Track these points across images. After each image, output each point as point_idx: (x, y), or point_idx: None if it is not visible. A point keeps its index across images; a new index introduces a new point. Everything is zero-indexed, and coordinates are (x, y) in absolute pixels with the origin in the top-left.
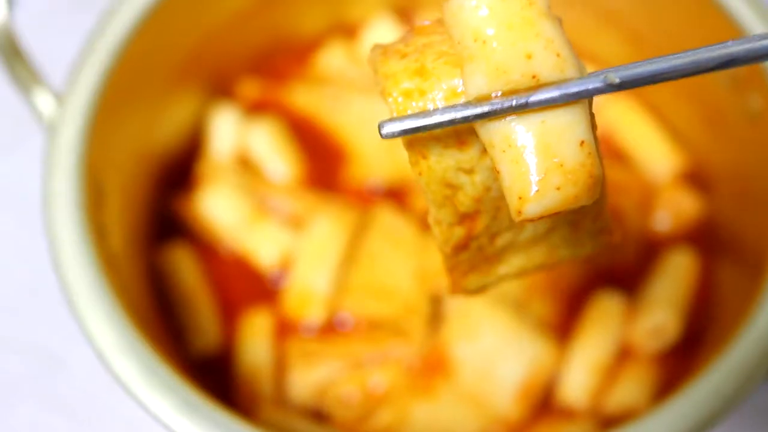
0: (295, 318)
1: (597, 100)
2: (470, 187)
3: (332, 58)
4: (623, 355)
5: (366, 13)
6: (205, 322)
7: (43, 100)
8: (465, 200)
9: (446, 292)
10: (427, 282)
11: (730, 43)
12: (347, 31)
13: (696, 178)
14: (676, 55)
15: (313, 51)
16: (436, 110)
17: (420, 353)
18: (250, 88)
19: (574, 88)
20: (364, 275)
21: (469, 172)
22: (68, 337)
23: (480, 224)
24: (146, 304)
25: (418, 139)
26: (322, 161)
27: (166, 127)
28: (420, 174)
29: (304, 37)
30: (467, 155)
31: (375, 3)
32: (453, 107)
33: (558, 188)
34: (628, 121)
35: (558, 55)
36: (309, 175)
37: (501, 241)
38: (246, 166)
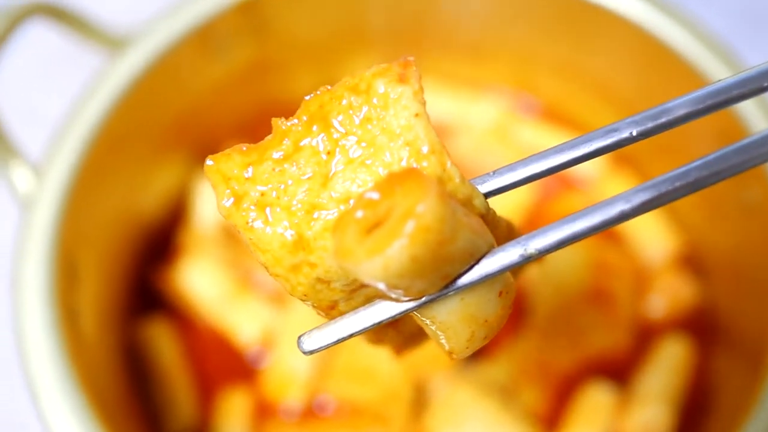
0: (274, 400)
1: (593, 175)
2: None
3: None
4: None
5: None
6: (181, 403)
7: (19, 175)
8: (334, 293)
9: (431, 377)
10: (410, 367)
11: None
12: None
13: (693, 263)
14: (586, 213)
15: None
16: (359, 310)
17: None
18: None
19: (491, 269)
20: (347, 357)
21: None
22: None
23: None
24: (119, 387)
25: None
26: None
27: (148, 195)
28: (291, 292)
29: (292, 101)
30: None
31: (366, 63)
32: (373, 308)
33: (485, 338)
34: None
35: (471, 255)
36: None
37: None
38: (231, 236)
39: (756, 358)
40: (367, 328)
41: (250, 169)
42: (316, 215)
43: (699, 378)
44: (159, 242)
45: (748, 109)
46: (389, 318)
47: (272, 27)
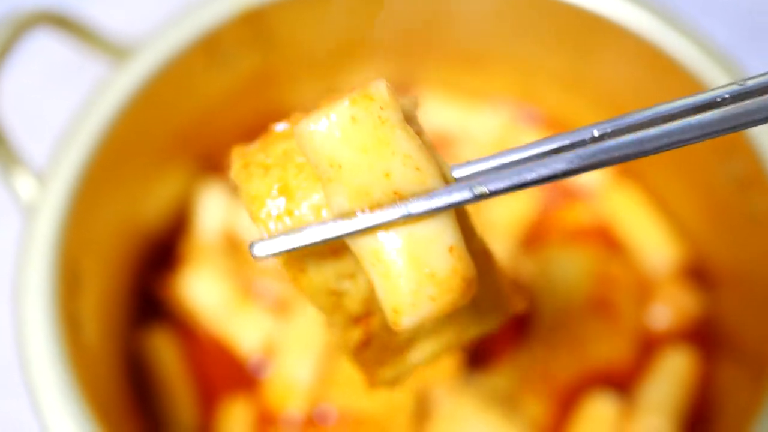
0: (275, 410)
1: (596, 187)
2: (355, 291)
3: None
4: None
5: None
6: (182, 411)
7: (23, 183)
8: (352, 304)
9: (433, 388)
10: (412, 378)
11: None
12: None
13: (697, 274)
14: (534, 167)
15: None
16: (305, 228)
17: None
18: None
19: (439, 202)
20: (349, 368)
21: (351, 276)
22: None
23: (375, 322)
24: (120, 395)
25: (293, 255)
26: None
27: (151, 204)
28: (302, 290)
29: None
30: (345, 263)
31: (371, 74)
32: (322, 225)
33: (432, 298)
34: (628, 211)
35: (417, 169)
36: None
37: (404, 333)
38: (233, 245)
39: (760, 369)
40: (318, 241)
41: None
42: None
43: (702, 389)
44: (161, 251)
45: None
46: (345, 234)
47: (277, 37)
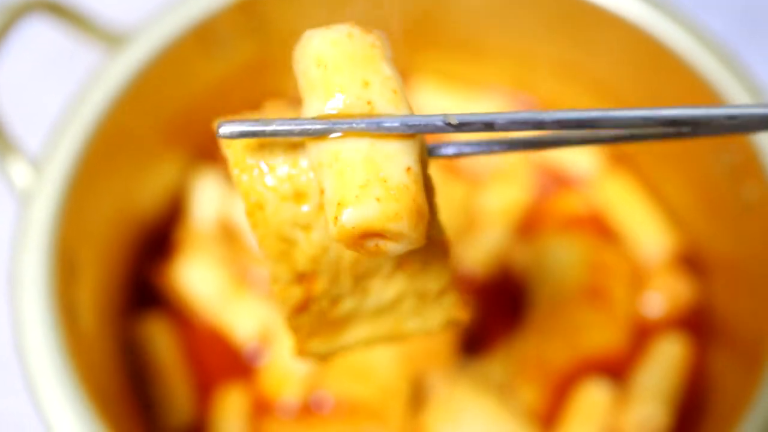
0: (271, 397)
1: (590, 175)
2: (306, 245)
3: None
4: None
5: None
6: (178, 399)
7: (18, 171)
8: (301, 258)
9: (428, 375)
10: (408, 364)
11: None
12: None
13: (691, 262)
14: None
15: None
16: (275, 120)
17: None
18: None
19: (413, 121)
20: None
21: (305, 228)
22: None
23: (318, 286)
24: (116, 382)
25: (255, 189)
26: None
27: (146, 192)
28: (255, 226)
29: (291, 100)
30: (303, 210)
31: None
32: (292, 120)
33: (378, 199)
34: (622, 199)
35: (394, 92)
36: None
37: (344, 307)
38: (228, 234)
39: (753, 356)
40: (283, 131)
41: None
42: None
43: (696, 376)
44: (157, 239)
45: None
46: (309, 131)
47: (271, 25)
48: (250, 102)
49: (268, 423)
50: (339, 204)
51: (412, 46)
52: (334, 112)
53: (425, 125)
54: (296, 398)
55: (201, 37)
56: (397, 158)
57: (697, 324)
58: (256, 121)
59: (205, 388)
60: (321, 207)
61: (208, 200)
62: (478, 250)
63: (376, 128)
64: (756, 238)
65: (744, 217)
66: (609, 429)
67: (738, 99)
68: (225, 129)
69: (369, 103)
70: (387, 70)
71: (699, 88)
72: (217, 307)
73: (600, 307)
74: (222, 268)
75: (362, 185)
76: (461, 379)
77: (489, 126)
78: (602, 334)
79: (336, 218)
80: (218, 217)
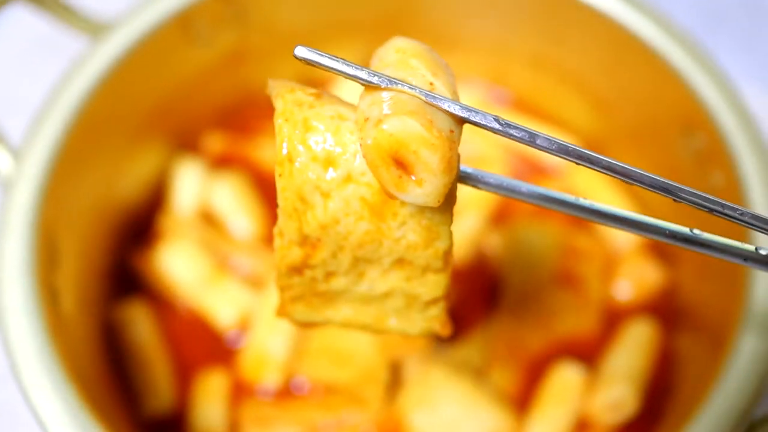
0: (251, 381)
1: (564, 166)
2: (321, 211)
3: None
4: (581, 427)
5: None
6: (159, 383)
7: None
8: (312, 222)
9: (406, 359)
10: (386, 348)
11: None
12: (316, 85)
13: (659, 248)
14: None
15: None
16: (347, 62)
17: (376, 421)
18: (216, 142)
19: (465, 112)
20: (322, 339)
21: (325, 195)
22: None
23: (319, 255)
24: (98, 367)
25: (291, 141)
26: None
27: (128, 180)
28: (280, 175)
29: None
30: (328, 176)
31: (347, 54)
32: (363, 68)
33: (423, 125)
34: (593, 187)
35: (454, 92)
36: (272, 232)
37: (336, 284)
38: (209, 221)
39: (717, 338)
40: (347, 72)
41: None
42: None
43: (664, 359)
44: (138, 226)
45: (713, 101)
46: (372, 80)
47: (253, 15)
48: (230, 91)
49: (247, 406)
50: (387, 115)
51: (387, 37)
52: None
53: (477, 113)
54: (275, 382)
55: (182, 26)
56: (444, 119)
57: (664, 308)
58: (330, 56)
59: (185, 372)
60: (345, 180)
61: (189, 188)
62: (454, 236)
63: (433, 100)
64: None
65: None
66: (580, 411)
67: (703, 87)
68: (300, 51)
69: (432, 84)
70: (448, 79)
71: (667, 76)
72: (198, 292)
73: (573, 292)
74: (203, 254)
75: (413, 111)
76: (437, 363)
77: (532, 137)
78: (575, 318)
79: (379, 121)
80: (199, 204)
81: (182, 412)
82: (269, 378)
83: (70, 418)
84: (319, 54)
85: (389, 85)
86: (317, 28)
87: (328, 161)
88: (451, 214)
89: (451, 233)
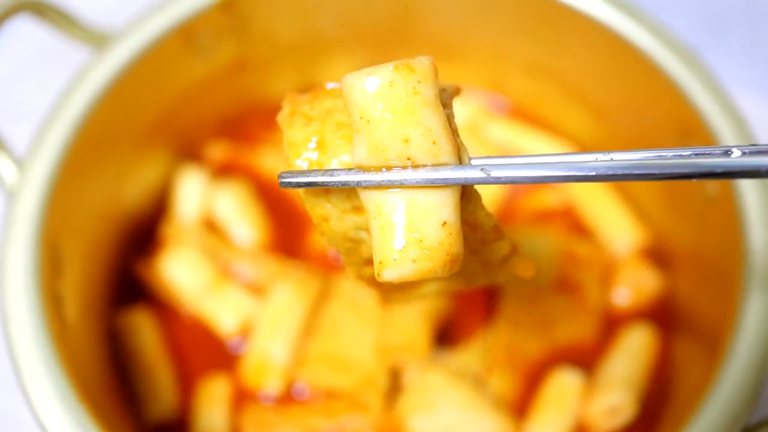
0: (252, 387)
1: None
2: (371, 241)
3: None
4: None
5: (338, 76)
6: (162, 389)
7: (4, 167)
8: (367, 251)
9: (406, 366)
10: (386, 354)
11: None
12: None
13: (656, 255)
14: (543, 165)
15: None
16: (326, 172)
17: (376, 426)
18: (218, 151)
19: (446, 174)
20: (323, 345)
21: (368, 230)
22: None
23: None
24: (101, 373)
25: (320, 205)
26: (288, 225)
27: (131, 189)
28: (323, 233)
29: (274, 101)
30: (363, 218)
31: (346, 65)
32: (338, 172)
33: (414, 261)
34: (592, 195)
35: (434, 143)
36: (273, 240)
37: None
38: (211, 229)
39: (714, 344)
40: (326, 183)
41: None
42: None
43: (661, 365)
44: (142, 234)
45: (708, 109)
46: (352, 183)
47: (253, 27)
48: (232, 101)
49: (249, 412)
50: (380, 263)
51: (386, 47)
52: (375, 167)
53: (458, 179)
54: (276, 388)
55: (184, 37)
56: (433, 214)
57: (662, 314)
58: (309, 173)
59: (188, 378)
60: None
61: (191, 196)
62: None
63: (414, 183)
64: (717, 231)
65: (706, 212)
66: (578, 416)
67: (699, 95)
68: (284, 180)
69: (409, 158)
70: (429, 119)
71: (663, 85)
72: (201, 299)
73: (572, 298)
74: (205, 262)
75: (399, 250)
76: (436, 369)
77: (524, 181)
78: (574, 325)
79: (378, 274)
80: (202, 212)
81: (185, 417)
82: (271, 384)
83: (73, 425)
84: (303, 175)
85: (368, 186)
86: (316, 40)
87: (356, 209)
88: (479, 197)
89: (488, 212)
